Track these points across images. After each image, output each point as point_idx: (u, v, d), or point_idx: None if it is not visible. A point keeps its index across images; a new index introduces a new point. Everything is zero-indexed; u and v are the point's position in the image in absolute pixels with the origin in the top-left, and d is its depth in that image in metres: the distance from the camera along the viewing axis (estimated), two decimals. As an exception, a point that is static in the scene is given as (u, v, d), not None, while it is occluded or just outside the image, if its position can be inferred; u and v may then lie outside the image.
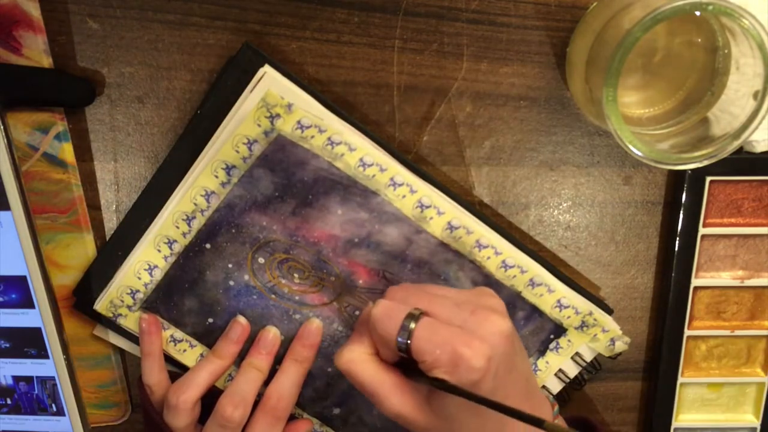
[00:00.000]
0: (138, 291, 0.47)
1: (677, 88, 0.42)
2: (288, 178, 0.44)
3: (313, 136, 0.43)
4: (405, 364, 0.38)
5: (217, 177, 0.44)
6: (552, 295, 0.48)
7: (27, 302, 0.46)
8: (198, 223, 0.46)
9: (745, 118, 0.38)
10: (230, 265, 0.47)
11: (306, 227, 0.46)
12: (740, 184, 0.49)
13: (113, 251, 0.47)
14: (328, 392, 0.50)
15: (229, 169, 0.44)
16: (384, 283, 0.47)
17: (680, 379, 0.52)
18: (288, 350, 0.48)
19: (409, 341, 0.35)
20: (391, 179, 0.44)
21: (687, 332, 0.51)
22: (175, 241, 0.46)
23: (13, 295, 0.46)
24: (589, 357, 0.51)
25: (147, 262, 0.47)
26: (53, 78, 0.43)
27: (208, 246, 0.46)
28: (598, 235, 0.50)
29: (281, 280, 0.47)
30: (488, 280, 0.47)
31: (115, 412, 0.51)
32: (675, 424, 0.54)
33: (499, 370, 0.35)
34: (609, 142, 0.48)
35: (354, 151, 0.43)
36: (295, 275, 0.47)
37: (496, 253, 0.47)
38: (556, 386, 0.52)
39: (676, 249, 0.50)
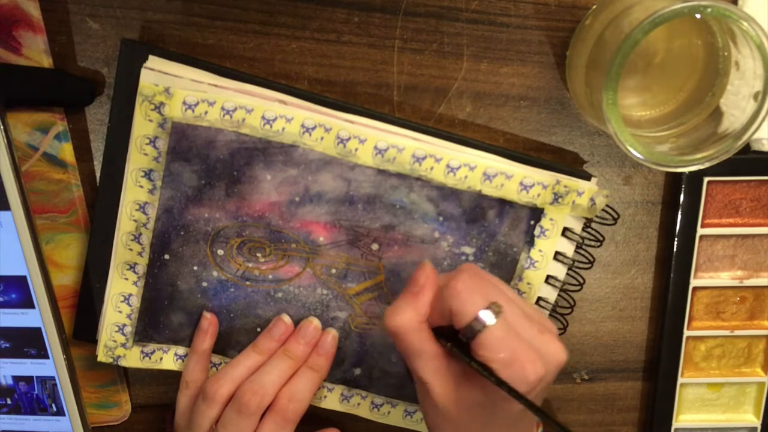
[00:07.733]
0: (124, 324, 0.47)
1: (678, 89, 0.42)
2: (205, 162, 0.43)
3: (206, 112, 0.42)
4: (444, 331, 0.39)
5: (142, 187, 0.44)
6: (512, 181, 0.45)
7: (27, 302, 0.46)
8: (147, 238, 0.45)
9: (746, 120, 0.38)
10: (195, 268, 0.46)
11: (245, 204, 0.45)
12: (738, 184, 0.49)
13: (92, 284, 0.47)
14: (341, 356, 0.49)
15: (148, 174, 0.44)
16: (344, 232, 0.46)
17: (680, 379, 0.53)
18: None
19: (478, 330, 0.36)
20: (302, 125, 0.43)
21: (686, 332, 0.51)
22: (136, 263, 0.46)
23: (13, 295, 0.46)
24: (578, 228, 0.47)
25: (120, 293, 0.47)
26: (53, 78, 0.43)
27: (167, 257, 0.46)
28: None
29: (247, 264, 0.46)
30: (443, 192, 0.45)
31: (115, 412, 0.51)
32: (675, 424, 0.54)
33: (539, 393, 0.38)
34: (609, 142, 0.48)
35: (252, 111, 0.42)
36: (258, 255, 0.46)
37: (436, 160, 0.44)
38: (560, 271, 0.48)
39: (675, 249, 0.50)
